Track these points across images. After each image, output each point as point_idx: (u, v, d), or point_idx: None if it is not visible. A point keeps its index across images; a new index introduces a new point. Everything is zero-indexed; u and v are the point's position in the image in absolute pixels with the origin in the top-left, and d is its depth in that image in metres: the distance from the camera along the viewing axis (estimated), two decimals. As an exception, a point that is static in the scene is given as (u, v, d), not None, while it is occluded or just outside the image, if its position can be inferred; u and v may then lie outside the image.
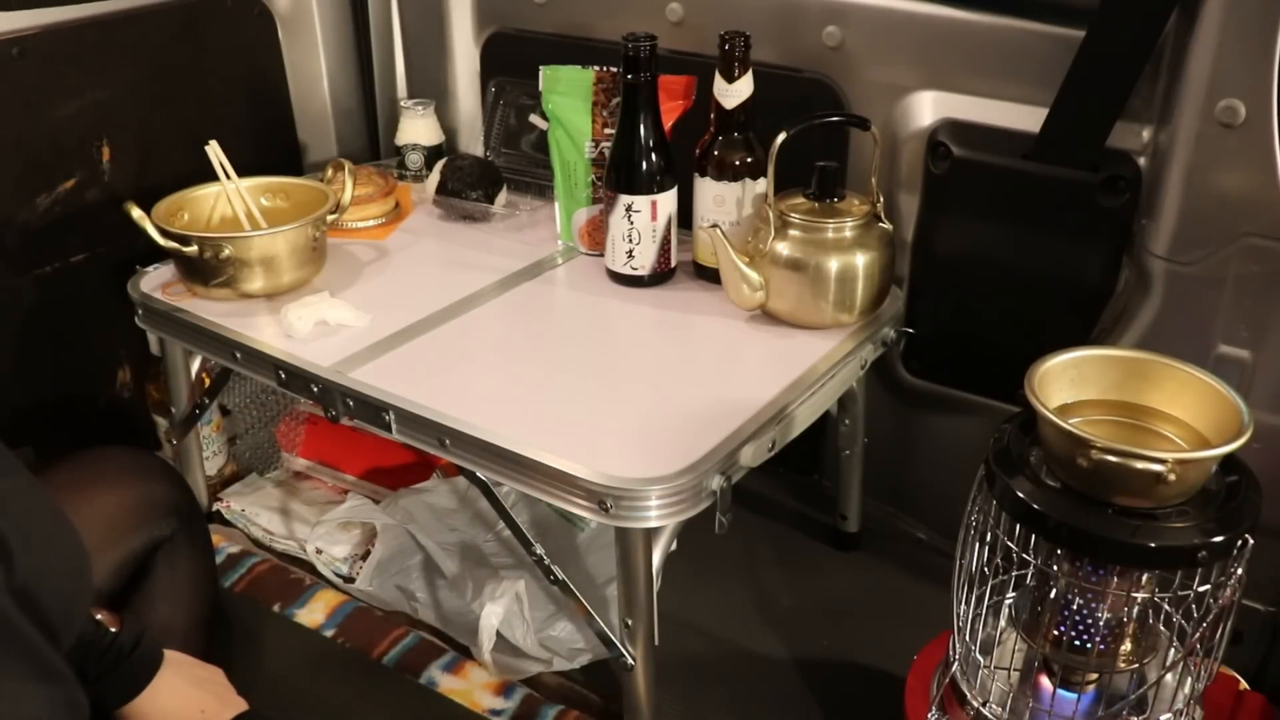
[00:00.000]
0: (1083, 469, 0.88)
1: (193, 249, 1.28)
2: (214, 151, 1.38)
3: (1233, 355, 1.20)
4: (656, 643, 1.14)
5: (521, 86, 1.61)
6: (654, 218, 1.30)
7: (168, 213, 1.33)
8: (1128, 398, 0.98)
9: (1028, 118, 1.25)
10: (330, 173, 1.49)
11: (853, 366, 1.25)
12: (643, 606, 1.10)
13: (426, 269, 1.44)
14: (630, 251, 1.32)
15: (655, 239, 1.32)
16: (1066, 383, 0.98)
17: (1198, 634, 0.93)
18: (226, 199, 1.40)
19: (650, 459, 1.03)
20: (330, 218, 1.36)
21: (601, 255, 1.38)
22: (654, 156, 1.28)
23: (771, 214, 1.22)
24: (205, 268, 1.29)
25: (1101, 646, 0.97)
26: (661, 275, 1.35)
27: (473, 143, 1.78)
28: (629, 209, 1.29)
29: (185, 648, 1.05)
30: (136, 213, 1.27)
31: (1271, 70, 1.08)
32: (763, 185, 1.28)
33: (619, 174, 1.29)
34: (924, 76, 1.33)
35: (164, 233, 1.28)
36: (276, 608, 1.40)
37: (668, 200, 1.31)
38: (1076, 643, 0.98)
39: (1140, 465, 0.86)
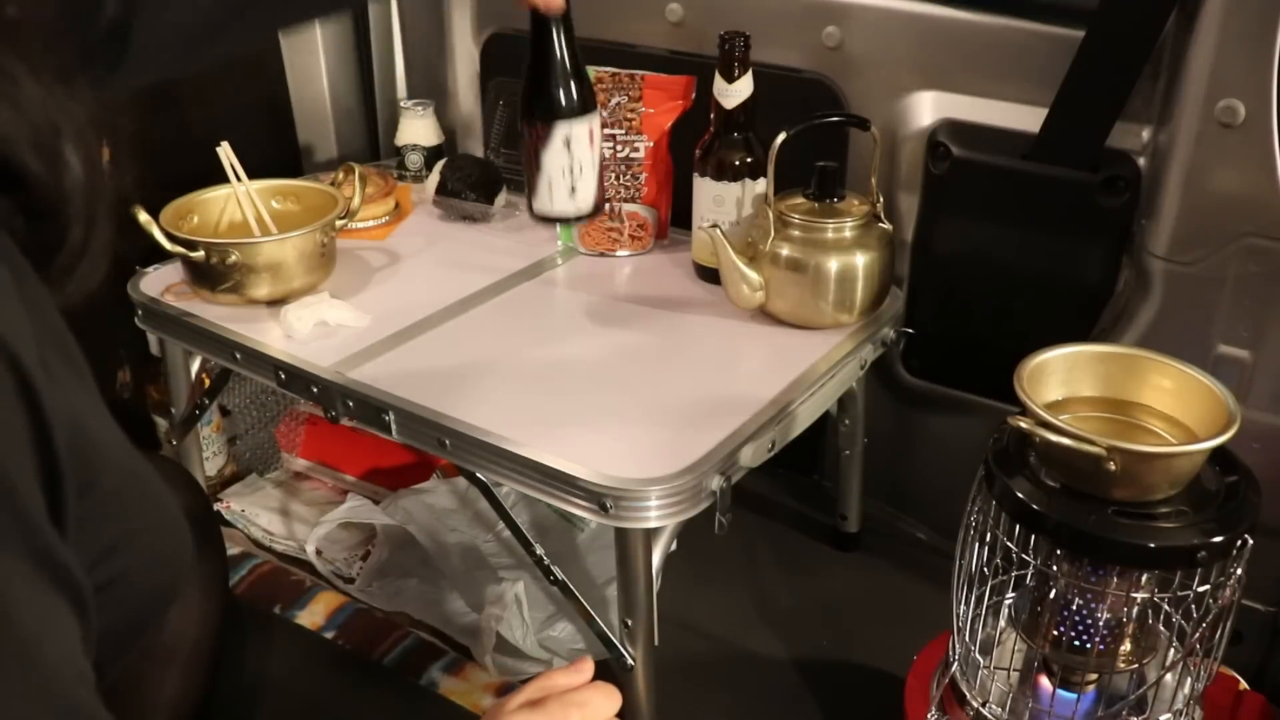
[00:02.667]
0: (1041, 453, 0.89)
1: (199, 254, 1.27)
2: (225, 153, 1.36)
3: (1232, 355, 1.20)
4: (656, 643, 1.14)
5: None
6: (592, 143, 1.15)
7: (176, 215, 1.32)
8: (1120, 395, 0.98)
9: (1028, 118, 1.25)
10: (340, 176, 1.48)
11: (852, 366, 1.25)
12: (643, 606, 1.10)
13: (426, 269, 1.44)
14: (574, 188, 1.15)
15: (594, 168, 1.16)
16: (1058, 380, 0.98)
17: (1197, 634, 0.93)
18: (236, 202, 1.39)
19: (650, 459, 1.03)
20: (339, 222, 1.35)
21: (602, 254, 1.38)
22: (581, 77, 1.14)
23: (771, 214, 1.22)
24: (212, 272, 1.28)
25: (1101, 647, 0.97)
26: (598, 208, 1.21)
27: (473, 143, 1.78)
28: (568, 139, 1.13)
29: (195, 655, 1.05)
30: (143, 216, 1.25)
31: (1271, 70, 1.08)
32: (763, 185, 1.28)
33: (550, 100, 1.12)
34: (924, 76, 1.33)
35: (171, 237, 1.27)
36: (277, 609, 1.40)
37: (598, 125, 1.17)
38: (1076, 643, 0.98)
39: (1083, 448, 0.87)
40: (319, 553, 1.52)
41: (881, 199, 1.26)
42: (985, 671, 1.04)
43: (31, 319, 0.48)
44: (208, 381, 1.50)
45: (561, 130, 1.14)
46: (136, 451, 0.64)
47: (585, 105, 1.14)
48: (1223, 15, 1.09)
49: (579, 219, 1.20)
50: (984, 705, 1.03)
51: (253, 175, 1.40)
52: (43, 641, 0.44)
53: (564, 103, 1.13)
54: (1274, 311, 1.16)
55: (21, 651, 0.43)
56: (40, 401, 0.45)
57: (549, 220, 1.20)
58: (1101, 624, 0.97)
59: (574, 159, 1.15)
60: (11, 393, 0.44)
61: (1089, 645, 0.97)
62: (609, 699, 0.67)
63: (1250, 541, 0.89)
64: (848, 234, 1.22)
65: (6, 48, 0.48)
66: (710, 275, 1.33)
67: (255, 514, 1.60)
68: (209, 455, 1.62)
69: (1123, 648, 0.99)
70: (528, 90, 1.15)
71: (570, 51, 1.12)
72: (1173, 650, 1.01)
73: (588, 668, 0.70)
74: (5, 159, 0.47)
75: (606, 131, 1.38)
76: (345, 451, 1.67)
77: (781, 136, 1.19)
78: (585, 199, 1.17)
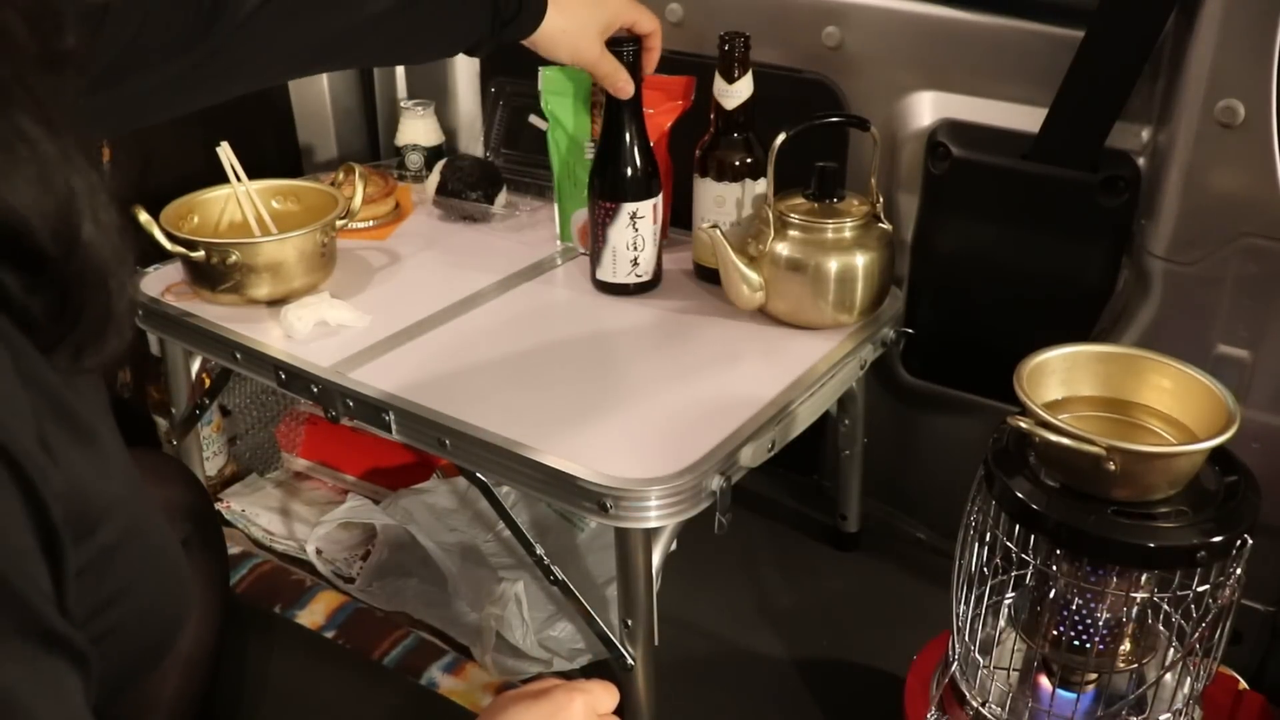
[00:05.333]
0: (1041, 453, 0.89)
1: (199, 254, 1.27)
2: (225, 153, 1.36)
3: (1232, 355, 1.20)
4: (656, 643, 1.14)
5: (521, 86, 1.61)
6: (655, 220, 1.30)
7: (176, 215, 1.32)
8: (1120, 395, 0.98)
9: (1027, 118, 1.25)
10: (341, 176, 1.48)
11: (852, 366, 1.25)
12: (642, 606, 1.10)
13: (426, 269, 1.44)
14: (635, 260, 1.30)
15: (655, 241, 1.31)
16: (1058, 380, 0.98)
17: (1197, 634, 0.93)
18: (236, 202, 1.39)
19: (650, 459, 1.03)
20: (340, 222, 1.34)
21: (602, 255, 1.39)
22: (648, 160, 1.27)
23: (771, 214, 1.22)
24: (213, 273, 1.28)
25: (1101, 646, 0.98)
26: (659, 277, 1.35)
27: (473, 143, 1.78)
28: (634, 216, 1.27)
29: (196, 653, 1.05)
30: (144, 216, 1.25)
31: (1271, 70, 1.08)
32: (763, 186, 1.28)
33: (618, 182, 1.27)
34: (924, 76, 1.33)
35: (171, 237, 1.28)
36: (277, 609, 1.40)
37: (661, 201, 1.31)
38: (1076, 643, 0.98)
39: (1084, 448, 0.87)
40: (319, 552, 1.52)
41: (881, 199, 1.26)
42: (985, 671, 1.04)
43: (30, 395, 0.47)
44: (208, 381, 1.50)
45: (628, 209, 1.27)
46: (146, 495, 0.64)
47: (651, 187, 1.27)
48: (1223, 15, 1.09)
49: (640, 289, 1.33)
50: (984, 705, 1.03)
51: (253, 175, 1.40)
52: (42, 712, 0.45)
53: (632, 185, 1.27)
54: (1274, 311, 1.16)
55: None
56: (35, 486, 0.45)
57: (610, 290, 1.33)
58: (1101, 624, 0.97)
59: (639, 234, 1.28)
60: (5, 481, 0.44)
61: (1089, 645, 0.97)
62: (609, 692, 0.69)
63: (1250, 541, 0.89)
64: (848, 234, 1.22)
65: (15, 99, 0.45)
66: (710, 275, 1.33)
67: (255, 514, 1.60)
68: (209, 455, 1.62)
69: (1122, 648, 0.99)
70: (598, 169, 1.28)
71: (640, 136, 1.25)
72: (1172, 650, 1.01)
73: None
74: (17, 235, 0.45)
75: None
76: (345, 451, 1.67)
77: (781, 137, 1.19)
78: (646, 270, 1.32)
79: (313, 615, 1.39)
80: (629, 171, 1.26)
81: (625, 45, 1.22)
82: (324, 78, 1.75)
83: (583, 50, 1.16)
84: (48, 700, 0.46)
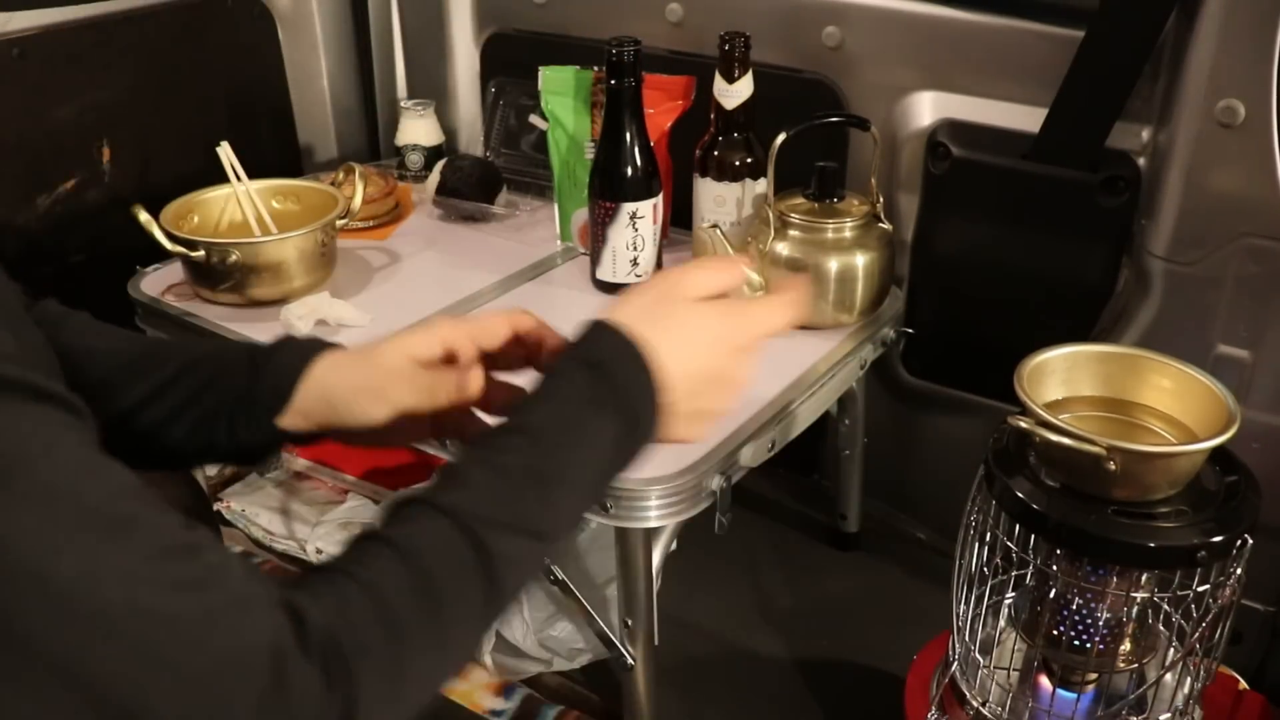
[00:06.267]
0: (1041, 453, 0.90)
1: (200, 253, 1.26)
2: (225, 153, 1.35)
3: (1232, 355, 1.20)
4: (656, 643, 1.14)
5: (521, 86, 1.61)
6: (655, 220, 1.30)
7: (176, 215, 1.32)
8: (1120, 395, 0.98)
9: (1027, 118, 1.25)
10: (341, 176, 1.48)
11: (852, 366, 1.25)
12: (643, 606, 1.10)
13: (427, 269, 1.44)
14: (635, 260, 1.30)
15: (655, 241, 1.31)
16: (1058, 380, 0.98)
17: (1197, 634, 0.93)
18: (236, 202, 1.39)
19: (650, 459, 1.02)
20: (340, 222, 1.34)
21: (602, 255, 1.39)
22: (648, 160, 1.27)
23: (771, 214, 1.22)
24: (213, 272, 1.28)
25: (1101, 646, 0.97)
26: None
27: (473, 143, 1.78)
28: (633, 216, 1.27)
29: None
30: (144, 216, 1.25)
31: (1271, 70, 1.08)
32: (763, 185, 1.28)
33: (617, 183, 1.27)
34: (924, 76, 1.33)
35: (171, 236, 1.27)
36: (277, 608, 1.40)
37: (661, 201, 1.31)
38: (1076, 643, 0.98)
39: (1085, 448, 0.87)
40: (319, 552, 1.52)
41: (881, 199, 1.26)
42: (985, 671, 1.04)
43: None
44: (208, 381, 1.50)
45: (628, 209, 1.27)
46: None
47: (651, 187, 1.27)
48: (1223, 15, 1.09)
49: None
50: (984, 705, 1.03)
51: (253, 175, 1.40)
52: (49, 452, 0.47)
53: (632, 185, 1.26)
54: (1274, 311, 1.16)
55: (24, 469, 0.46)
56: None
57: (611, 290, 1.32)
58: (1101, 624, 0.97)
59: (638, 235, 1.28)
60: None
61: (1089, 645, 0.97)
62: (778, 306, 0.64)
63: (1250, 541, 0.89)
64: (848, 234, 1.22)
65: None
66: (710, 275, 1.33)
67: (255, 514, 1.60)
68: (209, 455, 1.62)
69: (1122, 647, 0.99)
70: (598, 169, 1.28)
71: (640, 136, 1.25)
72: (1172, 650, 1.01)
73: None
74: None
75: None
76: (345, 451, 1.67)
77: (781, 136, 1.19)
78: (646, 270, 1.31)
79: (313, 615, 1.39)
80: (629, 171, 1.26)
81: (626, 45, 1.22)
82: (324, 77, 1.76)
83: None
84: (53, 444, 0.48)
